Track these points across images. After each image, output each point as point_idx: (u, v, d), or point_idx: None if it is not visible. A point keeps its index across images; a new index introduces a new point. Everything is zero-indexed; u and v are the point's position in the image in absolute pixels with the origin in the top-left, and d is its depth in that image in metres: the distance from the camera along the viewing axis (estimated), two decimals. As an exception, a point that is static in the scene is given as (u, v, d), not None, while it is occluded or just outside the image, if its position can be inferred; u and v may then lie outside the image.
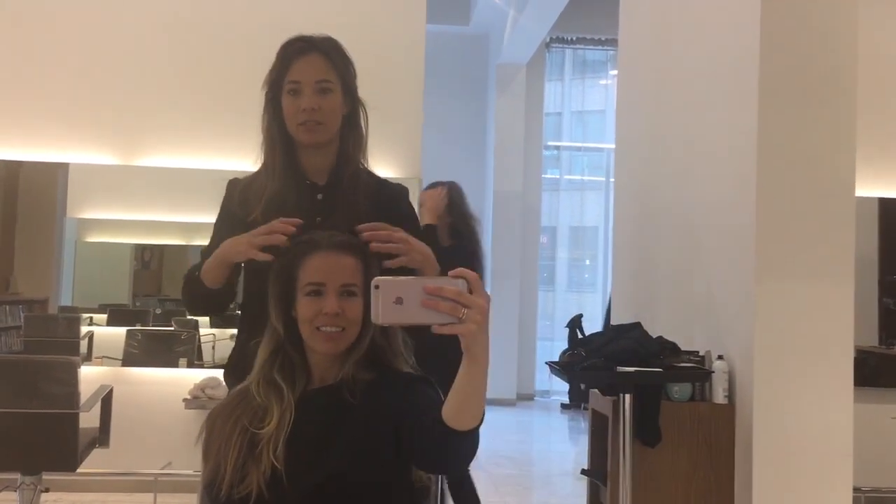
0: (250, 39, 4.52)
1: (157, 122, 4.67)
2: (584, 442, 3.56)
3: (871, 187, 4.63)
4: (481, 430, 1.42)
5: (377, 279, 1.27)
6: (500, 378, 8.05)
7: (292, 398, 1.57)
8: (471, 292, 1.27)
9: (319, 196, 1.92)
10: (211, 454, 1.58)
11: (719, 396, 3.03)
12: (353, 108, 1.94)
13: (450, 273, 1.28)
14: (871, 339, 4.87)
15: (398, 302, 1.26)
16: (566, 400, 8.17)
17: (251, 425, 1.56)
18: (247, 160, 2.05)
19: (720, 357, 3.06)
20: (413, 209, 2.06)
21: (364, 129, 1.96)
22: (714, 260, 3.29)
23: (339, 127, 1.92)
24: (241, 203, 1.91)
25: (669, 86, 3.91)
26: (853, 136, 2.96)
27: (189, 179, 4.56)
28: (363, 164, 1.97)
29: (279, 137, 1.91)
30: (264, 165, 1.93)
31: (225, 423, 1.58)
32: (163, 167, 4.64)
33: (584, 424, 3.51)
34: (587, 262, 9.53)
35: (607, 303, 6.52)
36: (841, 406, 2.89)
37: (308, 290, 1.57)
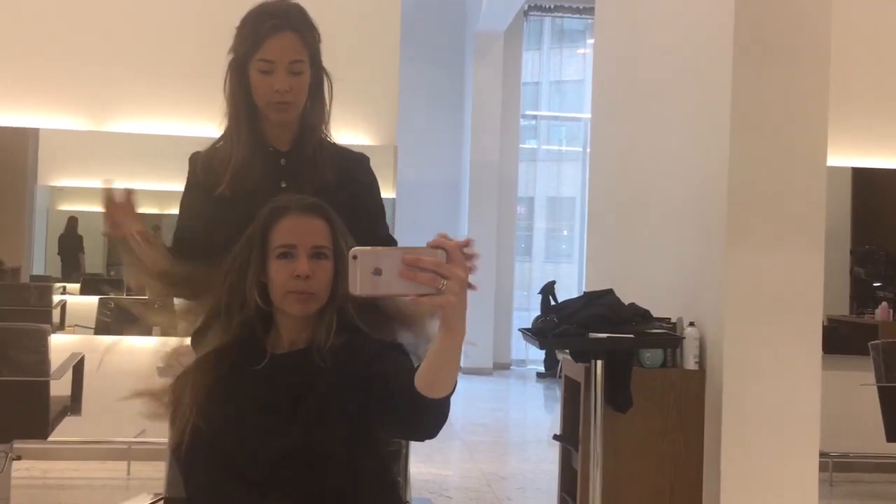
0: (225, 4, 4.44)
1: (129, 86, 4.59)
2: (559, 410, 3.59)
3: (845, 157, 4.66)
4: (457, 398, 1.41)
5: (355, 249, 1.24)
6: (476, 347, 8.07)
7: (260, 363, 1.56)
8: (450, 263, 1.25)
9: (283, 161, 1.92)
10: (177, 419, 1.58)
11: (690, 363, 3.05)
12: (317, 77, 1.92)
13: (429, 243, 1.25)
14: (843, 308, 4.93)
15: (376, 273, 1.23)
16: (542, 369, 8.23)
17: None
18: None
19: (692, 324, 3.09)
20: (374, 178, 2.03)
21: (328, 100, 1.94)
22: (686, 228, 3.31)
23: (305, 100, 1.91)
24: (205, 171, 1.89)
25: (645, 56, 3.90)
26: (825, 106, 2.97)
27: (164, 146, 4.50)
28: (326, 134, 1.95)
29: (244, 106, 1.89)
30: (228, 132, 1.92)
31: (192, 389, 1.58)
32: (136, 133, 4.57)
33: (559, 393, 3.54)
34: (564, 232, 9.55)
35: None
36: (809, 372, 2.93)
37: (279, 253, 1.56)
